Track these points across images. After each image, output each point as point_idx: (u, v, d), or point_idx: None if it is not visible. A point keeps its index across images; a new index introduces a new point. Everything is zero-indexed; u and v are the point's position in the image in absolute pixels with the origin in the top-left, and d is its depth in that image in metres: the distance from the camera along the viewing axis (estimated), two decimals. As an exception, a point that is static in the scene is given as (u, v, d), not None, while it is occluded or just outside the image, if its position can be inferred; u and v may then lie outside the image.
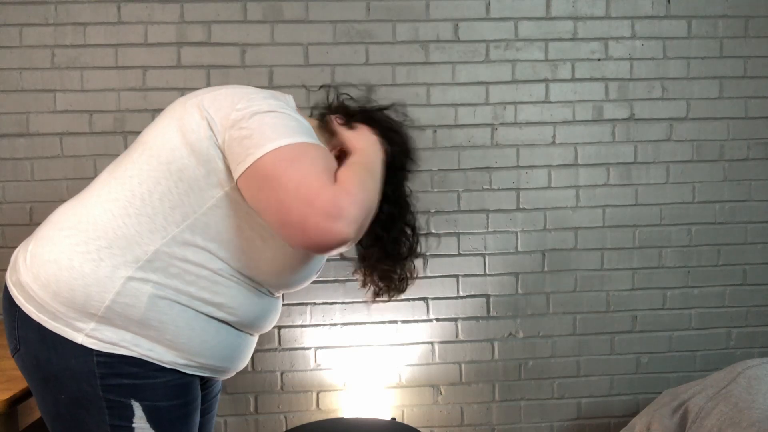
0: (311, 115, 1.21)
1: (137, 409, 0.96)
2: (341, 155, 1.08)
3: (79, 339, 0.93)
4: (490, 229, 1.86)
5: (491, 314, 1.88)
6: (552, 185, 1.87)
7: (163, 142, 0.97)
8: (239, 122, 0.93)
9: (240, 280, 1.02)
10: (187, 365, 1.00)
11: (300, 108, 1.90)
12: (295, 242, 0.91)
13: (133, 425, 0.96)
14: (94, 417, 0.96)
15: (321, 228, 0.86)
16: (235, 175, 0.93)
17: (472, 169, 1.85)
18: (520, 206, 1.86)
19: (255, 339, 1.16)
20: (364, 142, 1.08)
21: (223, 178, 0.96)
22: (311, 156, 0.91)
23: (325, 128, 1.14)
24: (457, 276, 1.86)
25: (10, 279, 1.00)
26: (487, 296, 1.87)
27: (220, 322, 1.03)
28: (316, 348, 1.84)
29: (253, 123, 0.92)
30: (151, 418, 0.97)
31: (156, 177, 0.96)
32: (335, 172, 0.94)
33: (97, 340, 0.93)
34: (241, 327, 1.07)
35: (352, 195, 0.89)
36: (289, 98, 1.08)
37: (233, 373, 1.14)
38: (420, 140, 1.80)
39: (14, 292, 0.98)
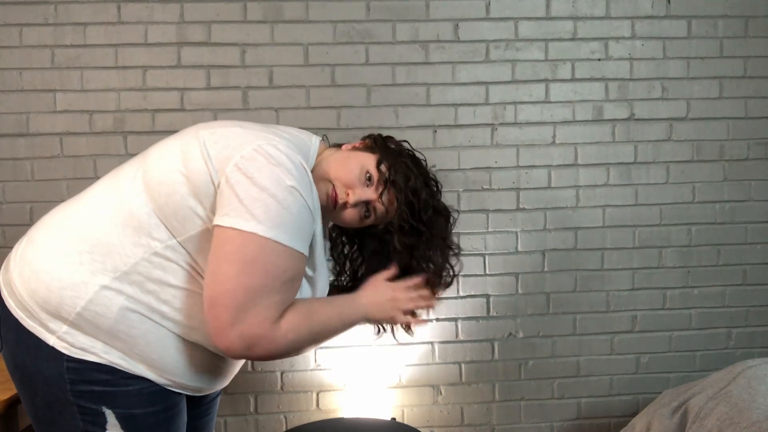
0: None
1: (110, 416, 0.95)
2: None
3: (51, 341, 0.93)
4: (490, 229, 1.86)
5: (491, 314, 1.88)
6: (552, 185, 1.87)
7: (162, 162, 0.97)
8: (240, 173, 0.90)
9: None
10: (157, 379, 0.98)
11: (300, 108, 1.89)
12: (206, 324, 0.93)
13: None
14: (68, 421, 0.96)
15: (230, 343, 0.90)
16: (216, 220, 0.91)
17: (472, 169, 1.84)
18: (520, 206, 1.86)
19: (238, 361, 1.13)
20: (367, 301, 1.17)
21: (210, 214, 0.94)
22: (284, 281, 0.93)
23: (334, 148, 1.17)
24: (457, 276, 1.86)
25: (1, 278, 1.01)
26: (487, 296, 1.87)
27: (195, 344, 1.01)
28: (316, 348, 1.84)
29: (255, 188, 0.89)
30: (126, 425, 0.96)
31: (148, 194, 0.95)
32: (295, 300, 0.98)
33: (69, 344, 0.93)
34: (216, 351, 1.04)
35: (276, 345, 0.93)
36: (315, 141, 1.08)
37: (211, 391, 1.12)
38: (420, 140, 1.79)
39: (3, 292, 0.99)
